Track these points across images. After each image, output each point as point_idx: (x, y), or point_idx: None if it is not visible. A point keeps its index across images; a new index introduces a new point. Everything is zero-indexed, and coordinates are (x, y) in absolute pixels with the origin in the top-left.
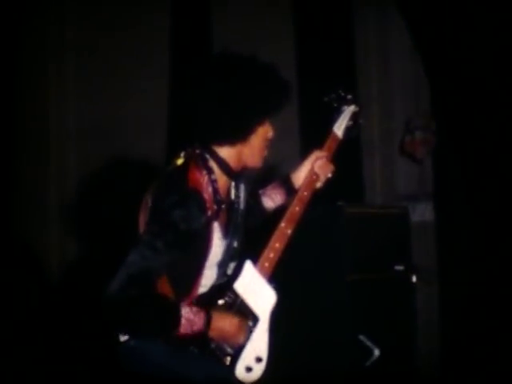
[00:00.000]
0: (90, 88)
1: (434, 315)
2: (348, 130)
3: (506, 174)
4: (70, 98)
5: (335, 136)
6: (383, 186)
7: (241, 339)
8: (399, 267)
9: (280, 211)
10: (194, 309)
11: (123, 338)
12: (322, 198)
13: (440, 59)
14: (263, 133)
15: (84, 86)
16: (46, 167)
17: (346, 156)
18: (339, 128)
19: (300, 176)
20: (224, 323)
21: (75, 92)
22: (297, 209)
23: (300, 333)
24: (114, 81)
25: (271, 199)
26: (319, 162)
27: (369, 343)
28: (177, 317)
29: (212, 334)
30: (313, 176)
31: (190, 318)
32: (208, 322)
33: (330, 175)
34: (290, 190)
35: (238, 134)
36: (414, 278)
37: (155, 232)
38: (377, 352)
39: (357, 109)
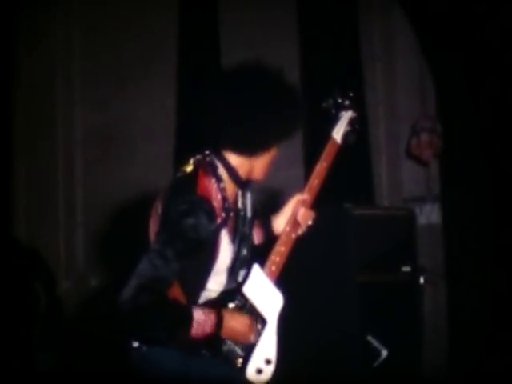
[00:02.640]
0: (98, 93)
1: (441, 317)
2: (346, 135)
3: None
4: (78, 103)
5: (334, 142)
6: (390, 189)
7: (251, 337)
8: (406, 268)
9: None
10: (206, 310)
11: (135, 344)
12: (329, 200)
13: (446, 60)
14: (274, 151)
15: (91, 91)
16: (54, 173)
17: (353, 158)
18: (338, 133)
19: (279, 223)
20: (235, 323)
21: (82, 97)
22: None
23: (308, 333)
24: (121, 86)
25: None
26: (301, 212)
27: (376, 344)
28: (188, 320)
29: (224, 334)
30: (293, 225)
31: (201, 320)
32: (219, 322)
33: (310, 223)
34: (269, 234)
35: (259, 149)
36: (422, 280)
37: (165, 241)
38: (385, 352)
39: (354, 114)
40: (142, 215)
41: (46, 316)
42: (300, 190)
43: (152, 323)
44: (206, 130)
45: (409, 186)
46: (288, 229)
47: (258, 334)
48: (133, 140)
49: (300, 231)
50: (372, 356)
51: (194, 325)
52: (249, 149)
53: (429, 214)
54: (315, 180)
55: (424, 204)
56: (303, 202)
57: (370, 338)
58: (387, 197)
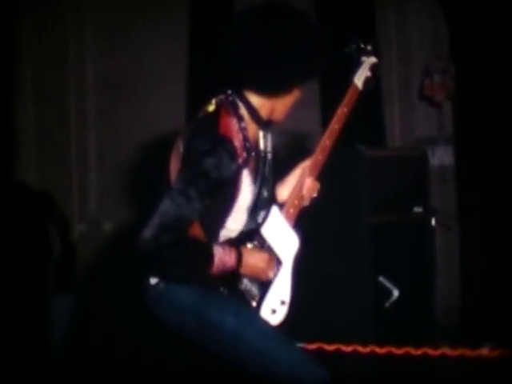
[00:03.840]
0: (108, 40)
1: (453, 258)
2: (367, 81)
3: None
4: (88, 50)
5: (356, 87)
6: (402, 130)
7: (270, 274)
8: (418, 209)
9: None
10: (226, 247)
11: (153, 280)
12: (341, 142)
13: (459, 2)
14: (297, 93)
15: (103, 37)
16: (66, 119)
17: (366, 100)
18: (359, 79)
19: (283, 193)
20: (254, 259)
21: (93, 44)
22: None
23: (321, 275)
24: (132, 32)
25: None
26: (306, 184)
27: (388, 284)
28: (209, 256)
29: (243, 270)
30: (297, 197)
31: (222, 256)
32: (239, 258)
33: (315, 195)
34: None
35: (281, 89)
36: (433, 221)
37: (188, 180)
38: (396, 293)
39: (376, 60)
40: (155, 159)
41: (60, 260)
42: (317, 132)
43: (174, 261)
44: (224, 70)
45: (421, 127)
46: (292, 200)
47: (276, 272)
48: (144, 85)
49: (305, 203)
50: (383, 296)
51: (216, 260)
52: (271, 89)
53: (441, 156)
54: (335, 125)
55: (436, 145)
56: (310, 171)
57: (381, 278)
58: (399, 138)
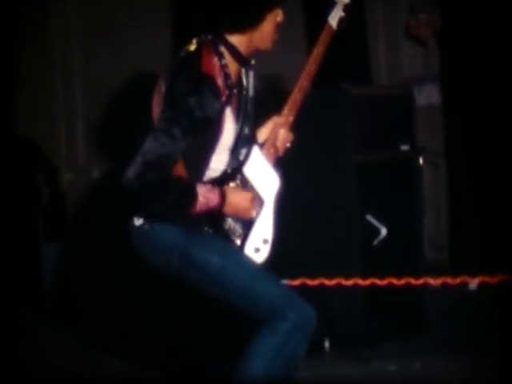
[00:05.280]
0: None
1: (441, 196)
2: (341, 21)
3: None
4: None
5: (330, 27)
6: (388, 69)
7: (253, 213)
8: (405, 147)
9: None
10: (209, 186)
11: (138, 222)
12: (326, 81)
13: None
14: (273, 18)
15: None
16: (51, 67)
17: (351, 39)
18: (333, 19)
19: (262, 135)
20: (238, 197)
21: None
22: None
23: (307, 214)
24: None
25: None
26: (279, 135)
27: (376, 223)
28: (193, 195)
29: (227, 209)
30: (271, 149)
31: (205, 195)
32: (223, 197)
33: (288, 145)
34: None
35: (247, 22)
36: (421, 159)
37: (171, 119)
38: (384, 231)
39: (348, 0)
40: (142, 103)
41: (49, 208)
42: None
43: (157, 198)
44: (200, 14)
45: (407, 66)
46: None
47: (258, 211)
48: (129, 30)
49: (278, 154)
50: (371, 235)
51: (200, 198)
52: (238, 24)
53: (428, 94)
54: (311, 66)
55: (423, 84)
56: (282, 124)
57: (369, 217)
58: (386, 77)
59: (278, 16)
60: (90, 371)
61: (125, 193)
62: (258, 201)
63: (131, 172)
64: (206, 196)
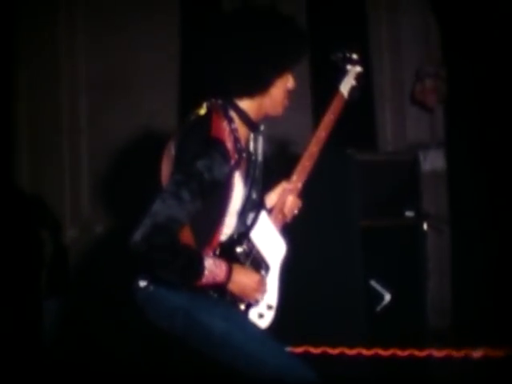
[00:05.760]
0: (100, 41)
1: (445, 263)
2: (352, 90)
3: None
4: (81, 50)
5: (341, 96)
6: (394, 135)
7: (258, 296)
8: (410, 214)
9: None
10: (217, 261)
11: (143, 283)
12: (332, 146)
13: (451, 5)
14: (283, 83)
15: (94, 35)
16: (58, 120)
17: (358, 104)
18: (344, 88)
19: (270, 200)
20: (245, 277)
21: (86, 42)
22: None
23: (312, 279)
24: (123, 34)
25: None
26: (287, 202)
27: (380, 288)
28: (200, 267)
29: (232, 286)
30: (278, 215)
31: (212, 269)
32: (229, 274)
33: (296, 212)
34: None
35: (256, 88)
36: (425, 226)
37: (180, 181)
38: (388, 297)
39: (361, 69)
40: (147, 162)
41: (52, 264)
42: (308, 137)
43: (164, 264)
44: (209, 78)
45: (413, 132)
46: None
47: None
48: (137, 86)
49: (286, 220)
50: (375, 300)
51: (206, 272)
52: (247, 90)
53: (433, 160)
54: (321, 132)
55: (428, 150)
56: (291, 190)
57: (373, 282)
58: (391, 143)
59: (288, 81)
60: None
61: (131, 255)
62: (266, 285)
63: (139, 234)
64: (212, 270)
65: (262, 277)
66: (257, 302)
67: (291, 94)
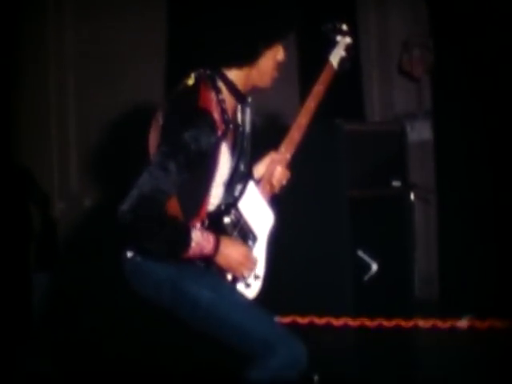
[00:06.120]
0: (88, 11)
1: (431, 232)
2: (342, 61)
3: (504, 90)
4: (69, 25)
5: (331, 66)
6: (381, 105)
7: (245, 271)
8: (397, 183)
9: None
10: (205, 233)
11: (130, 254)
12: (320, 116)
13: None
14: (272, 55)
15: (81, 8)
16: (46, 95)
17: (345, 75)
18: (335, 59)
19: (258, 171)
20: (233, 250)
21: (73, 19)
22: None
23: (299, 249)
24: (110, 7)
25: None
26: (276, 173)
27: (367, 258)
28: (187, 239)
29: (219, 259)
30: (266, 185)
31: (199, 241)
32: (217, 246)
33: (284, 183)
34: None
35: (244, 58)
36: (412, 195)
37: (167, 153)
38: (374, 266)
39: (350, 41)
40: (135, 134)
41: (41, 237)
42: (296, 109)
43: (150, 235)
44: (197, 47)
45: (400, 102)
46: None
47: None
48: (123, 59)
49: (274, 191)
50: (362, 270)
51: (193, 244)
52: (235, 60)
53: (420, 131)
54: (310, 103)
55: (415, 120)
56: (279, 161)
57: (360, 252)
58: (378, 113)
59: (278, 54)
60: None
61: (118, 225)
62: (253, 259)
63: (126, 205)
64: (199, 243)
65: (250, 250)
66: (243, 277)
67: (281, 66)
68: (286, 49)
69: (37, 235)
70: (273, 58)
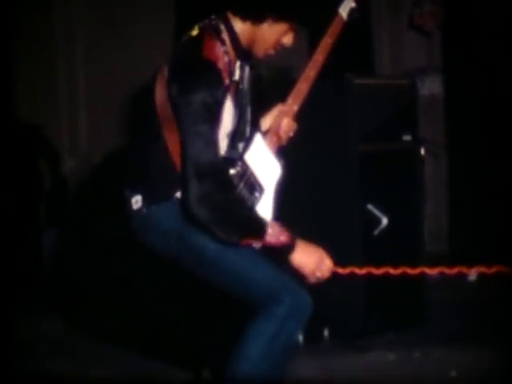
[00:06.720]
0: None
1: (441, 187)
2: (351, 11)
3: None
4: None
5: (340, 17)
6: (392, 60)
7: (318, 273)
8: (407, 138)
9: None
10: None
11: (136, 205)
12: (330, 71)
13: None
14: (278, 30)
15: None
16: (54, 54)
17: (355, 29)
18: (344, 10)
19: (266, 124)
20: (310, 247)
21: None
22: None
23: (309, 202)
24: None
25: None
26: (283, 124)
27: (377, 212)
28: (263, 227)
29: (296, 254)
30: (273, 137)
31: (275, 229)
32: (292, 240)
33: (291, 134)
34: None
35: (250, 13)
36: (423, 151)
37: (192, 120)
38: (385, 220)
39: None
40: (143, 92)
41: (51, 195)
42: (304, 61)
43: (231, 217)
44: None
45: (411, 57)
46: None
47: (257, 201)
48: (132, 18)
49: (281, 143)
50: (372, 224)
51: (269, 231)
52: (242, 8)
53: (430, 85)
54: (319, 56)
55: (426, 75)
56: (286, 113)
57: (370, 206)
58: (389, 67)
59: (286, 35)
60: (88, 360)
61: (199, 221)
62: (328, 264)
63: (193, 199)
64: (275, 229)
65: (325, 255)
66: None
67: (281, 48)
68: (295, 36)
69: (47, 193)
70: (277, 32)
